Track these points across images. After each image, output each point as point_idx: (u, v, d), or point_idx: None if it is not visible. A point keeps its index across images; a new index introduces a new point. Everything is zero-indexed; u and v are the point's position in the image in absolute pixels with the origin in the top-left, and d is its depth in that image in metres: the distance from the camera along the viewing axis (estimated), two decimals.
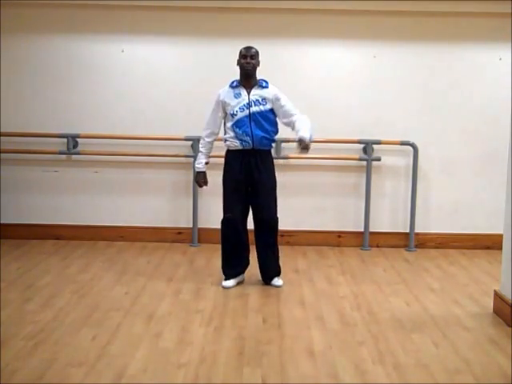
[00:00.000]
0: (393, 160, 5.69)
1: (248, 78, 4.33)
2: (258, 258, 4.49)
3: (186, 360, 3.17)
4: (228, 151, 4.40)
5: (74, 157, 5.69)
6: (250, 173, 4.34)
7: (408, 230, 5.69)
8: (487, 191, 5.68)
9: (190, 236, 5.69)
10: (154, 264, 5.02)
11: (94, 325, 3.64)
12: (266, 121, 4.33)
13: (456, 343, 3.46)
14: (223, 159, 4.44)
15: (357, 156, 5.63)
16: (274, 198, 4.44)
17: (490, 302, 4.08)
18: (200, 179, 4.52)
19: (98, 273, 4.72)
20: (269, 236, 4.44)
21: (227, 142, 4.39)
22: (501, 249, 4.08)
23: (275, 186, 4.44)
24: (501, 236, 4.08)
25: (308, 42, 5.61)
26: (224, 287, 4.38)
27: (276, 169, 4.47)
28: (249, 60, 4.28)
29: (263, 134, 4.30)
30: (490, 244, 5.61)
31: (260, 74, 4.40)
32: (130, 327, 3.62)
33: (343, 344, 3.43)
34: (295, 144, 4.26)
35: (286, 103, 4.35)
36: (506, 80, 5.38)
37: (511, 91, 5.14)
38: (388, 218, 5.77)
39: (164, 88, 5.64)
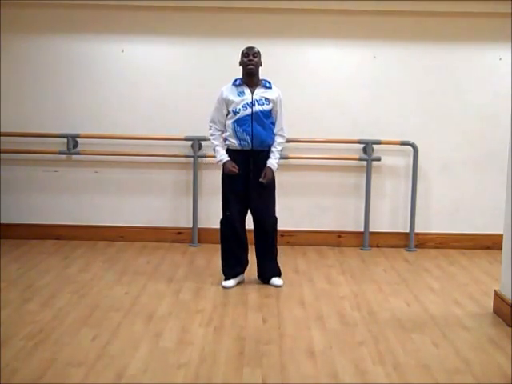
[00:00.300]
0: (393, 160, 5.69)
1: (251, 76, 4.33)
2: (257, 257, 4.50)
3: (186, 360, 3.17)
4: (227, 150, 4.40)
5: (74, 157, 5.69)
6: (249, 172, 4.34)
7: (408, 230, 5.69)
8: (487, 191, 5.68)
9: (190, 236, 5.69)
10: (154, 264, 5.02)
11: (93, 325, 3.63)
12: (267, 120, 4.33)
13: (456, 343, 3.46)
14: None
15: (357, 156, 5.63)
16: (273, 198, 4.45)
17: (489, 302, 4.08)
18: (230, 166, 4.31)
19: (98, 273, 4.72)
20: (268, 236, 4.45)
21: (226, 142, 4.39)
22: (501, 249, 4.08)
23: (274, 185, 4.44)
24: (501, 236, 4.08)
25: (308, 42, 5.61)
26: (224, 287, 4.38)
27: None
28: (251, 58, 4.29)
29: (263, 133, 4.31)
30: (490, 244, 5.61)
31: (260, 74, 4.39)
32: (129, 327, 3.62)
33: (343, 344, 3.43)
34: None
35: (280, 114, 4.38)
36: (506, 80, 5.38)
37: (511, 91, 5.15)
38: (388, 218, 5.77)
39: (164, 88, 5.64)
